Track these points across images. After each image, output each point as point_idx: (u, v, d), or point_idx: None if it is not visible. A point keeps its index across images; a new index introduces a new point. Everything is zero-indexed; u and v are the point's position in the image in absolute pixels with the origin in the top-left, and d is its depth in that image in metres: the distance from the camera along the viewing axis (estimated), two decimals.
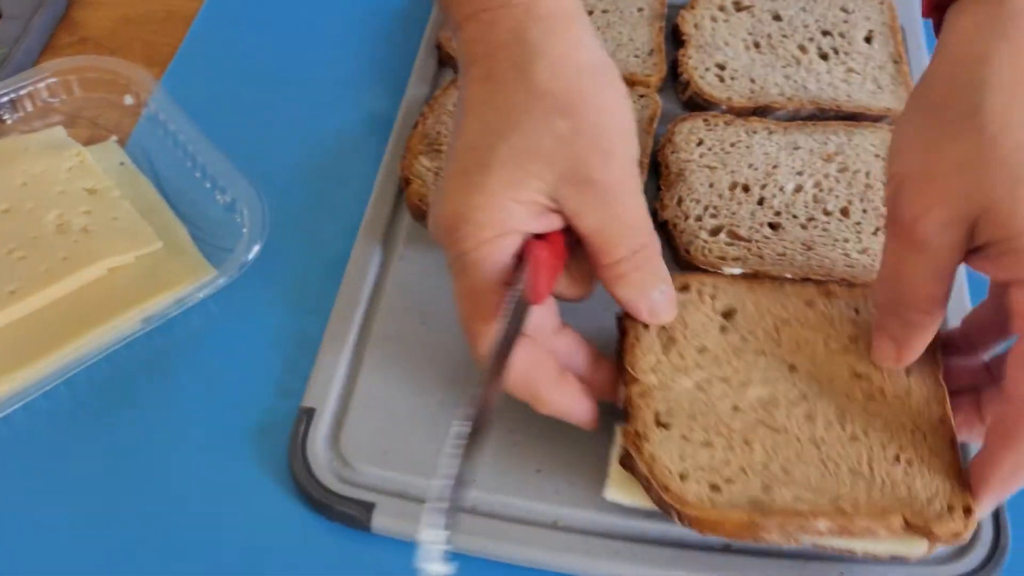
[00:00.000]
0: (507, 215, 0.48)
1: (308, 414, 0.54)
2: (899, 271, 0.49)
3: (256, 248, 0.59)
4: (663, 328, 0.53)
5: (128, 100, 0.70)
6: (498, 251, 0.48)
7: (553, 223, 0.50)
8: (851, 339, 0.54)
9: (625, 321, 0.54)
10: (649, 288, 0.51)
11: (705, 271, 0.59)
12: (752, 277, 0.58)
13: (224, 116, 0.69)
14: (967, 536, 0.47)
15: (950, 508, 0.47)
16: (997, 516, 0.51)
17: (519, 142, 0.48)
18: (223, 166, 0.62)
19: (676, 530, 0.49)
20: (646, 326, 0.53)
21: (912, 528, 0.47)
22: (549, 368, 0.50)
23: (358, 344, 0.57)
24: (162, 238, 0.60)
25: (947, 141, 0.46)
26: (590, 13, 0.74)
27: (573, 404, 0.50)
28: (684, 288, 0.55)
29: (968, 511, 0.47)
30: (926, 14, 0.52)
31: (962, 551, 0.50)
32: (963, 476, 0.48)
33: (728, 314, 0.55)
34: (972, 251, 0.47)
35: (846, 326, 0.54)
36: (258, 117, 0.70)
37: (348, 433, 0.53)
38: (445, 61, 0.73)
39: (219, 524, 0.51)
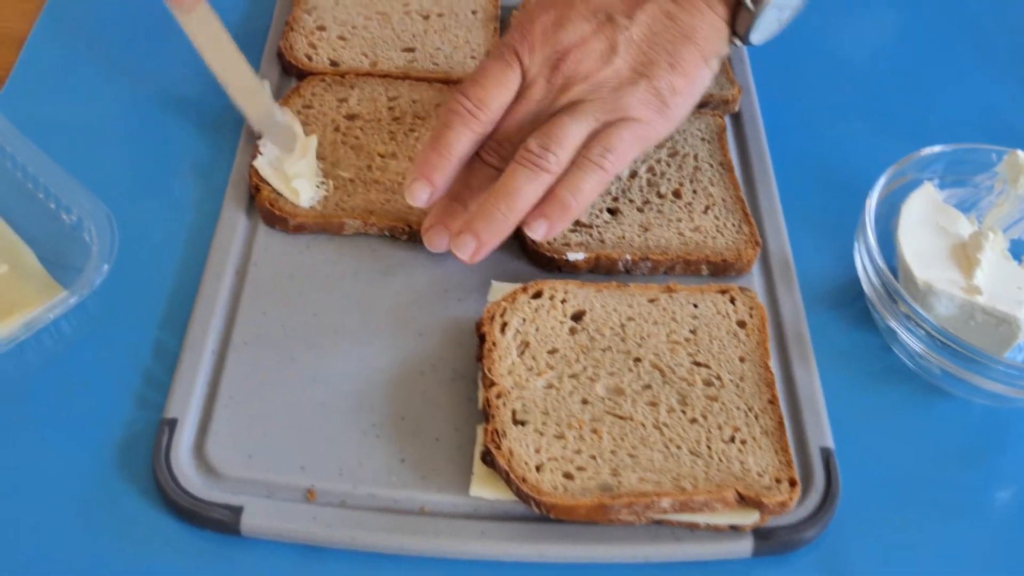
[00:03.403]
0: None
1: (170, 424, 0.54)
2: None
3: (106, 265, 0.59)
4: (518, 333, 0.57)
5: None
6: None
7: None
8: (691, 331, 0.58)
9: (483, 328, 0.57)
10: None
11: (555, 266, 0.63)
12: (601, 281, 0.61)
13: (66, 135, 0.69)
14: (792, 505, 0.52)
15: (777, 481, 0.52)
16: (828, 465, 0.55)
17: None
18: (67, 185, 0.62)
19: None
20: (503, 332, 0.56)
21: (745, 500, 0.51)
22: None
23: (218, 352, 0.58)
24: (7, 262, 0.60)
25: None
26: (425, 18, 0.77)
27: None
28: (538, 295, 0.59)
29: (793, 483, 0.52)
30: None
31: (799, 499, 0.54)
32: (788, 452, 0.53)
33: (578, 316, 0.58)
34: None
35: (687, 320, 0.59)
36: (102, 133, 0.70)
37: (212, 440, 0.54)
38: (287, 70, 0.74)
39: (86, 542, 0.51)
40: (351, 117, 0.69)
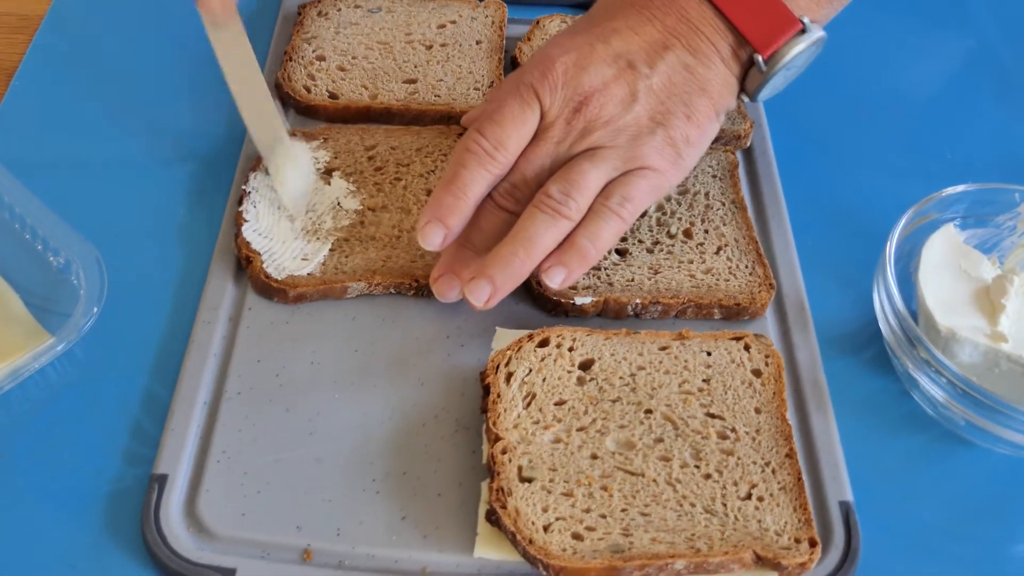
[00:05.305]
0: None
1: (160, 481, 0.52)
2: None
3: (95, 310, 0.56)
4: (524, 383, 0.54)
5: None
6: None
7: None
8: (705, 380, 0.56)
9: (488, 379, 0.54)
10: None
11: (562, 311, 0.61)
12: (610, 327, 0.59)
13: (55, 174, 0.67)
14: (812, 567, 0.50)
15: (797, 541, 0.50)
16: (848, 521, 0.53)
17: None
18: (55, 227, 0.60)
19: None
20: (508, 383, 0.54)
21: (763, 561, 0.49)
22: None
23: (210, 403, 0.56)
24: None
25: None
26: (428, 48, 0.75)
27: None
28: (544, 343, 0.57)
29: (813, 543, 0.50)
30: None
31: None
32: (807, 510, 0.51)
33: (586, 365, 0.56)
34: None
35: (699, 369, 0.56)
36: (92, 173, 0.68)
37: (203, 497, 0.52)
38: (285, 101, 0.71)
39: None
40: (330, 171, 0.66)
